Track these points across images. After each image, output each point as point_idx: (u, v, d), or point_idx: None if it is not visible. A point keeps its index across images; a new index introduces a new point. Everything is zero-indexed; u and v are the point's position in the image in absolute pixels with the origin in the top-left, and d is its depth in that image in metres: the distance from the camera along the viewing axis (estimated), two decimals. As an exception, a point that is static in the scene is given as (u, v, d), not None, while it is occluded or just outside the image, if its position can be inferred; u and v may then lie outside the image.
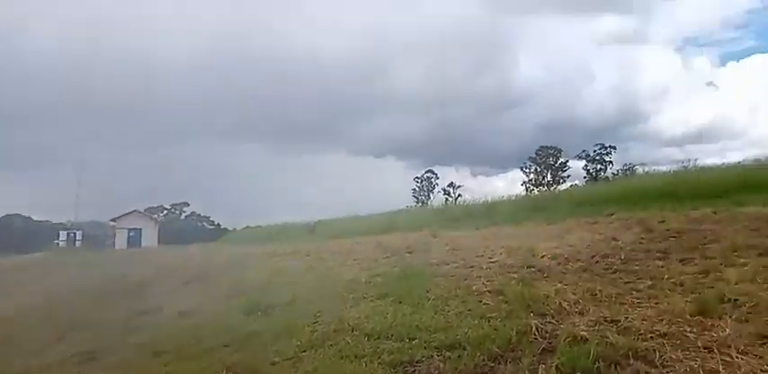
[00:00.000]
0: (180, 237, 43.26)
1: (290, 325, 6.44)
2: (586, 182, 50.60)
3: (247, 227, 41.08)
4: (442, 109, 74.10)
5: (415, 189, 63.95)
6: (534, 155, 55.89)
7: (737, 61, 60.41)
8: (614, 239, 8.36)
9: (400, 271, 8.68)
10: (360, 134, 75.95)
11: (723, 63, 77.06)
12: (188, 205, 70.29)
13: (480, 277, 7.38)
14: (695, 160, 35.70)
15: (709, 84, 64.13)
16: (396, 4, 71.62)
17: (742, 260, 6.27)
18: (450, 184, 61.90)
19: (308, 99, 73.80)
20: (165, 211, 68.18)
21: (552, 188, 51.57)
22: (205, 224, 68.04)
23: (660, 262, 6.72)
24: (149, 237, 45.47)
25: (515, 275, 7.11)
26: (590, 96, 65.00)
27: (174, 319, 8.82)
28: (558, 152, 54.86)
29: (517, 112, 69.73)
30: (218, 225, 64.17)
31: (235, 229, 45.47)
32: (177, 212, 70.67)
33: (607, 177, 48.59)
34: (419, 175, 64.49)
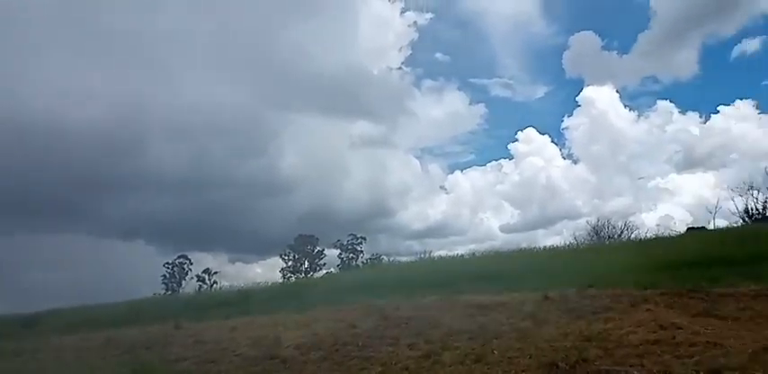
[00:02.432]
0: None
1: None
2: (340, 269, 53.08)
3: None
4: (202, 193, 71.66)
5: (165, 275, 58.79)
6: (293, 243, 57.05)
7: (462, 170, 73.94)
8: (354, 327, 8.86)
9: (130, 372, 7.77)
10: (106, 214, 68.20)
11: (452, 171, 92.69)
12: None
13: (220, 372, 7.05)
14: (430, 252, 40.57)
15: (442, 187, 75.85)
16: (160, 81, 69.56)
17: (456, 343, 7.19)
18: (206, 271, 58.56)
19: (48, 171, 64.44)
20: None
21: (309, 275, 52.72)
22: None
23: (391, 348, 7.31)
24: None
25: (257, 368, 7.00)
26: (345, 191, 70.89)
27: None
28: (315, 240, 57.00)
29: (280, 201, 71.50)
30: None
31: None
32: None
33: (358, 265, 51.81)
34: (170, 261, 59.76)
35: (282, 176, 71.53)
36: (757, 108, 58.86)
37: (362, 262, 53.51)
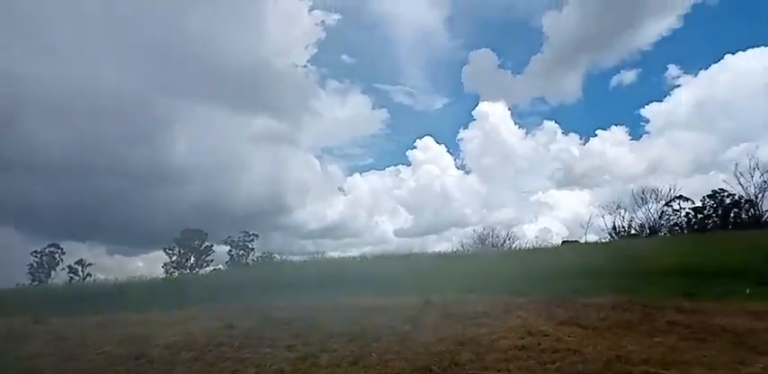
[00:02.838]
0: None
1: None
2: (228, 266, 51.40)
3: None
4: (82, 178, 65.77)
5: (32, 264, 53.56)
6: (179, 237, 54.30)
7: (361, 173, 74.38)
8: (232, 327, 8.52)
9: (-30, 370, 6.91)
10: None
11: (351, 173, 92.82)
12: None
13: (78, 371, 6.46)
14: (323, 253, 40.53)
15: (340, 188, 75.74)
16: (44, 62, 62.83)
17: (335, 346, 7.11)
18: (79, 262, 54.10)
19: None
20: None
21: (195, 271, 50.51)
22: None
23: (269, 350, 7.08)
24: None
25: (120, 368, 6.48)
26: (240, 186, 68.50)
27: None
28: (203, 235, 54.64)
29: (168, 192, 67.42)
30: None
31: None
32: None
33: (248, 263, 50.48)
34: (39, 249, 54.56)
35: (173, 166, 67.62)
36: (630, 134, 65.22)
37: (253, 260, 52.22)
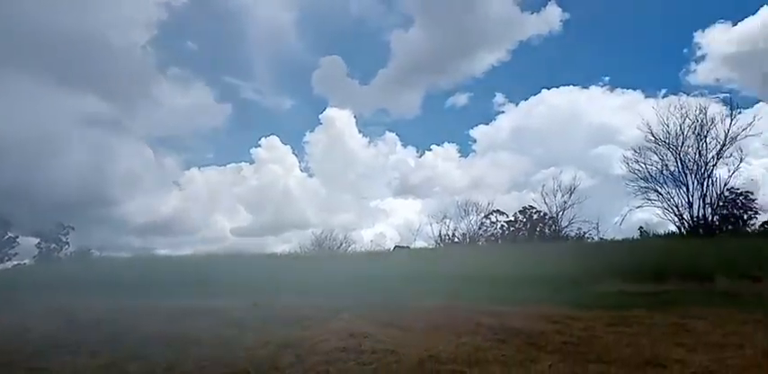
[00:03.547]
0: None
1: None
2: (36, 261, 45.41)
3: None
4: None
5: None
6: (-27, 225, 46.57)
7: (200, 168, 69.88)
8: (28, 331, 7.59)
9: None
10: None
11: (188, 167, 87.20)
12: None
13: None
14: (152, 250, 37.75)
15: (176, 182, 70.60)
16: None
17: (149, 351, 6.60)
18: None
19: None
20: None
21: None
22: None
23: (69, 357, 6.38)
24: None
25: None
26: (56, 171, 60.47)
27: None
28: (6, 224, 47.53)
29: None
30: None
31: None
32: None
33: (60, 258, 45.14)
34: None
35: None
36: (459, 152, 70.92)
37: (65, 255, 46.67)
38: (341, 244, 39.54)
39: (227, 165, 73.26)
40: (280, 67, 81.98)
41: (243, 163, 77.01)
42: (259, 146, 66.13)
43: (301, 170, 71.76)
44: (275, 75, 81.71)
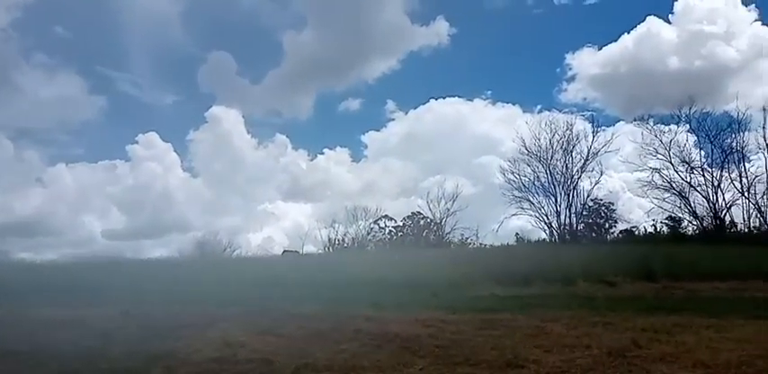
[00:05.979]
0: None
1: None
2: None
3: None
4: None
5: None
6: None
7: (67, 164, 63.41)
8: None
9: None
10: None
11: (54, 162, 79.37)
12: None
13: None
14: (7, 253, 34.01)
15: (39, 179, 63.82)
16: None
17: None
18: None
19: None
20: None
21: None
22: None
23: None
24: None
25: None
26: None
27: None
28: None
29: None
30: None
31: None
32: None
33: None
34: None
35: None
36: (351, 156, 71.46)
37: None
38: (225, 249, 38.27)
39: (99, 162, 67.30)
40: (162, 60, 77.75)
41: (117, 160, 71.66)
42: (136, 142, 61.71)
43: (184, 170, 68.66)
44: (157, 68, 77.26)
